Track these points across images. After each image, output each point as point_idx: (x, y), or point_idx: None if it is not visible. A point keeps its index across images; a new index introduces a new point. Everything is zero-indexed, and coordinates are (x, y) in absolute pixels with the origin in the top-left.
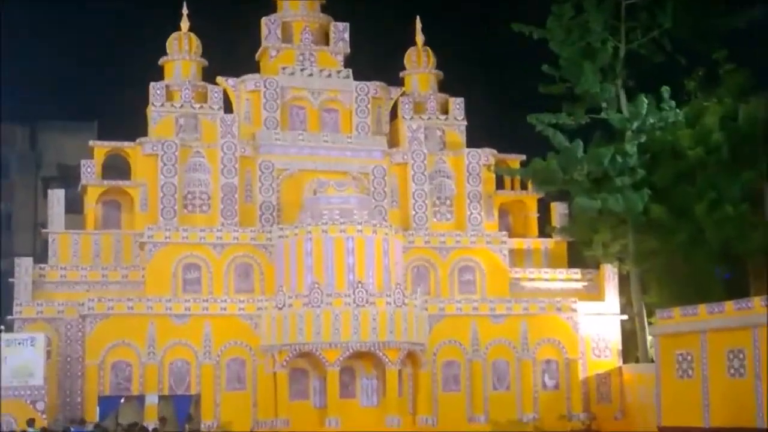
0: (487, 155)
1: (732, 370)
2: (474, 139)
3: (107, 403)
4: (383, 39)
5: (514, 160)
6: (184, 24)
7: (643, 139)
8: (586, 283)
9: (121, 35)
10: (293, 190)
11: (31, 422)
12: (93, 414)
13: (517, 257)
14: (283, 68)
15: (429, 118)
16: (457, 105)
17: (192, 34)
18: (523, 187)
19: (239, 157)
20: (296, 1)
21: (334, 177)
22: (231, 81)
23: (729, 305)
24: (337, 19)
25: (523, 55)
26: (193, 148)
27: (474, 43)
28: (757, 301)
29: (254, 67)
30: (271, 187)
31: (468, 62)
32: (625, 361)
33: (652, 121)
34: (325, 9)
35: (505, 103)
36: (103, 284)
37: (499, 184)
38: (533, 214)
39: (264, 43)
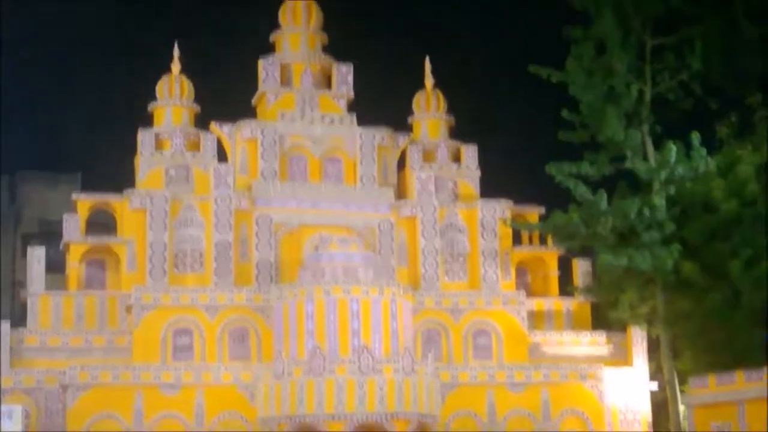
0: (503, 208)
1: None
2: (488, 190)
3: None
4: (390, 81)
5: (533, 213)
6: (175, 67)
7: (672, 190)
8: (611, 348)
9: (108, 79)
10: (293, 247)
11: None
12: None
13: (537, 319)
14: (282, 114)
15: (439, 168)
16: (469, 153)
17: (184, 77)
18: (543, 242)
19: (234, 211)
20: (296, 40)
21: (338, 232)
22: (226, 128)
23: None
24: (339, 60)
25: (540, 100)
26: (184, 202)
27: (488, 86)
28: None
29: (251, 113)
30: (269, 243)
31: (481, 107)
32: None
33: (681, 170)
34: (326, 49)
35: (521, 151)
36: (87, 351)
37: (517, 240)
38: (554, 273)
39: (261, 87)
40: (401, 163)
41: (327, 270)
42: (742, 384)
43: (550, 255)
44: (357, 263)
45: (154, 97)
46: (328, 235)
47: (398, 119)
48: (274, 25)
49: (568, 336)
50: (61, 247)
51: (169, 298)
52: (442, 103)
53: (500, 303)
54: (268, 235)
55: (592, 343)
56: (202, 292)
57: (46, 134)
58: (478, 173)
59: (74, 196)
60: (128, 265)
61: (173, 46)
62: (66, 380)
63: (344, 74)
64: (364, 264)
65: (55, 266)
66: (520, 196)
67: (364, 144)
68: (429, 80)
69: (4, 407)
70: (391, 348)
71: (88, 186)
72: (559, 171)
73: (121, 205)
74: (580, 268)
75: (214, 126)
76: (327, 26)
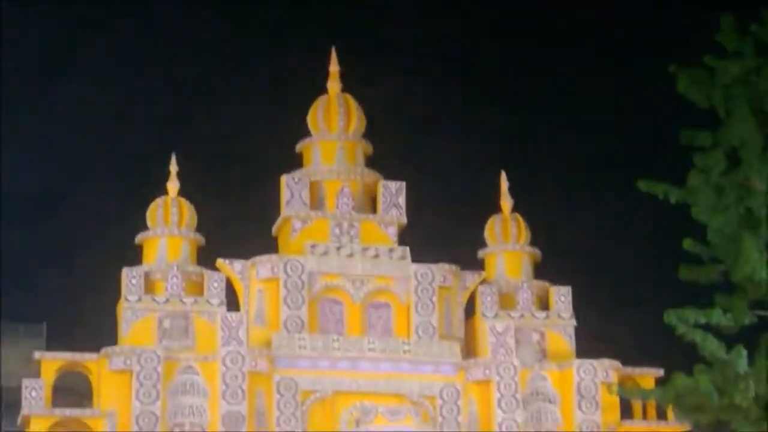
0: (606, 369)
1: None
2: (587, 346)
3: None
4: (453, 202)
5: (647, 376)
6: (172, 185)
7: None
8: None
9: (84, 200)
10: (325, 421)
11: None
12: None
13: None
14: (312, 246)
15: (522, 316)
16: (561, 297)
17: (183, 200)
18: (662, 416)
19: (248, 374)
20: (330, 150)
21: (385, 402)
22: (237, 265)
23: None
24: (387, 176)
25: (652, 225)
26: (182, 362)
27: (582, 208)
28: None
29: (270, 246)
30: (294, 416)
31: (575, 236)
32: None
33: None
34: (371, 162)
35: (630, 294)
36: None
37: (626, 412)
38: None
39: (285, 211)
40: (470, 310)
41: None
42: None
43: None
44: None
45: (143, 225)
46: (372, 405)
47: (465, 252)
48: (302, 130)
49: None
50: (19, 421)
51: None
52: (524, 232)
53: None
54: (293, 405)
55: None
56: None
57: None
58: (573, 323)
59: (37, 354)
60: None
61: (170, 158)
62: None
63: (394, 194)
64: None
65: None
66: (629, 354)
67: (420, 285)
68: (506, 201)
69: None
70: None
71: (55, 341)
72: (682, 320)
73: (99, 366)
74: None
75: (221, 263)
76: (371, 132)
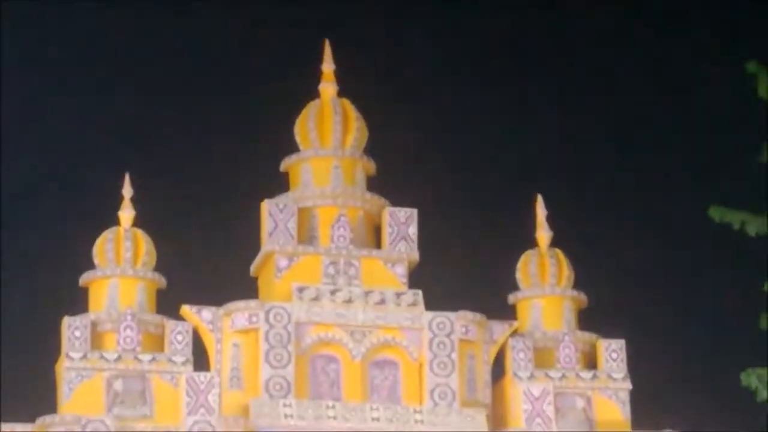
0: None
1: None
2: (645, 416)
3: None
4: (479, 234)
5: None
6: (126, 213)
7: None
8: None
9: (12, 229)
10: None
11: None
12: None
13: None
14: (300, 290)
15: (563, 377)
16: (613, 353)
17: (139, 232)
18: None
19: None
20: (323, 169)
21: None
22: (207, 313)
23: None
24: (394, 202)
25: (727, 263)
26: None
27: (638, 242)
28: None
29: (248, 289)
30: None
31: (629, 277)
32: None
33: None
34: (374, 185)
35: (698, 348)
36: None
37: None
38: None
39: (266, 245)
40: (499, 370)
41: None
42: None
43: None
44: None
45: (89, 263)
46: None
47: (492, 298)
48: (288, 144)
49: None
50: None
51: None
52: (566, 271)
53: None
54: None
55: None
56: None
57: None
58: (627, 386)
59: None
60: None
61: (123, 180)
62: None
63: (403, 223)
64: None
65: None
66: (698, 425)
67: (436, 338)
68: (543, 233)
69: None
70: None
71: None
72: (763, 382)
73: None
74: None
75: (187, 311)
76: (375, 147)
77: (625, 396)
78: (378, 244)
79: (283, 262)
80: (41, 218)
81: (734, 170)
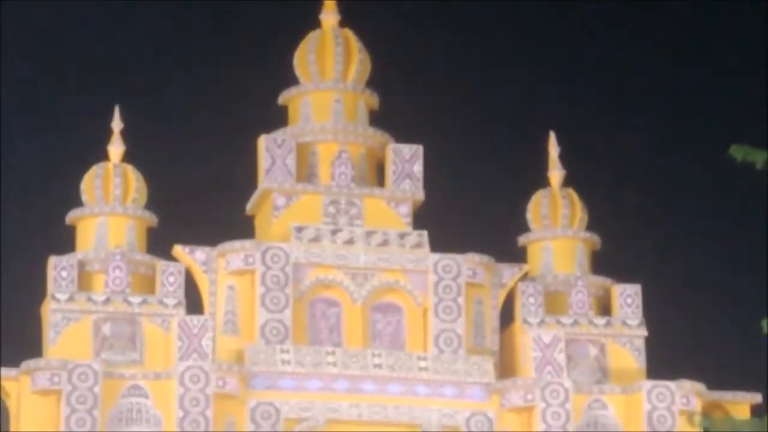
0: (687, 394)
1: None
2: (661, 364)
3: None
4: (487, 172)
5: (740, 402)
6: (116, 148)
7: None
8: None
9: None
10: None
11: None
12: None
13: None
14: (299, 229)
15: (575, 323)
16: (628, 298)
17: (129, 168)
18: None
19: (214, 397)
20: (324, 103)
21: None
22: (200, 253)
23: None
24: (399, 138)
25: (748, 206)
26: (127, 380)
27: (655, 183)
28: None
29: (244, 228)
30: None
31: (645, 218)
32: None
33: None
34: (377, 120)
35: (718, 293)
36: None
37: None
38: None
39: (264, 183)
40: (507, 315)
41: None
42: None
43: None
44: None
45: (77, 200)
46: None
47: (501, 239)
48: (287, 77)
49: None
50: None
51: None
52: (579, 212)
53: None
54: None
55: None
56: None
57: None
58: (642, 333)
59: None
60: None
61: (113, 112)
62: None
63: (407, 161)
64: None
65: None
66: (717, 373)
67: (442, 281)
68: (556, 172)
69: None
70: None
71: None
72: None
73: (18, 386)
74: None
75: (179, 251)
76: (378, 80)
77: (640, 344)
78: (381, 183)
79: (280, 201)
80: (25, 153)
81: (755, 108)
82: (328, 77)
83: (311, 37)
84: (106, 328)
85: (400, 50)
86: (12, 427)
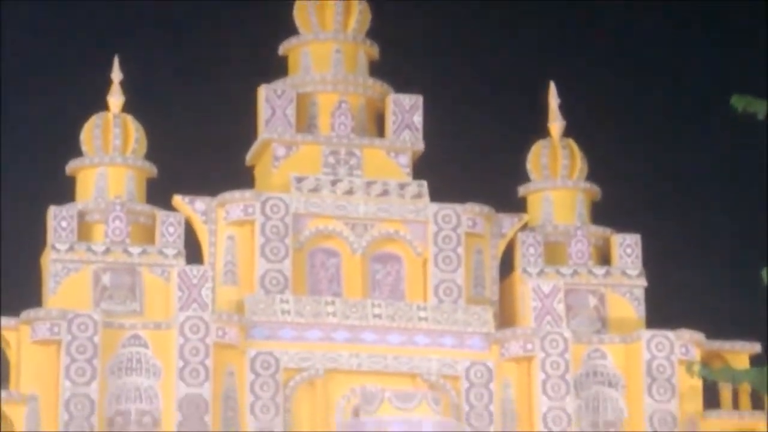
0: (686, 343)
1: None
2: (660, 313)
3: None
4: (487, 123)
5: (739, 352)
6: (115, 98)
7: None
8: None
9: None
10: (315, 409)
11: None
12: None
13: None
14: (299, 180)
15: (575, 273)
16: (627, 248)
17: (129, 118)
18: (758, 404)
19: (214, 347)
20: (324, 53)
21: (393, 383)
22: (200, 203)
23: None
24: (399, 88)
25: (749, 155)
26: (127, 330)
27: (655, 133)
28: None
29: (244, 178)
30: (274, 402)
31: (644, 169)
32: None
33: None
34: (377, 70)
35: (718, 243)
36: None
37: (711, 399)
38: None
39: (263, 133)
40: (507, 265)
41: None
42: None
43: None
44: None
45: (77, 150)
46: (376, 388)
47: (501, 190)
48: (287, 27)
49: None
50: None
51: None
52: (579, 163)
53: None
54: (273, 388)
55: None
56: None
57: None
58: (642, 283)
59: None
60: None
61: (112, 62)
62: None
63: (408, 111)
64: None
65: None
66: (716, 323)
67: (441, 231)
68: (555, 122)
69: None
70: None
71: None
72: None
73: (18, 336)
74: None
75: (179, 201)
76: (378, 31)
77: (639, 293)
78: (381, 133)
79: (280, 151)
80: (25, 103)
81: (755, 57)
82: (329, 27)
83: None
84: (106, 278)
85: (400, 0)
86: (12, 377)
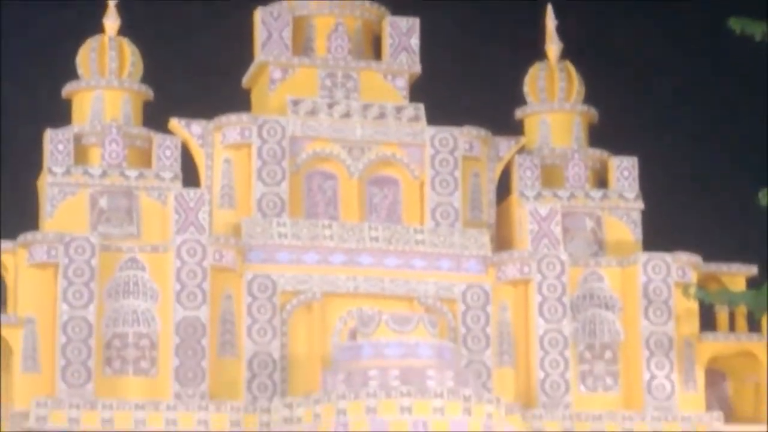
0: (683, 266)
1: None
2: (657, 236)
3: None
4: (484, 44)
5: (736, 275)
6: (111, 21)
7: None
8: None
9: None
10: (312, 332)
11: None
12: None
13: None
14: (296, 103)
15: (572, 196)
16: (625, 171)
17: (125, 41)
18: (754, 326)
19: (211, 270)
20: None
21: (390, 306)
22: (196, 126)
23: None
24: (396, 10)
25: (745, 78)
26: (124, 253)
27: (652, 56)
28: None
29: (241, 101)
30: (271, 325)
31: (642, 91)
32: None
33: None
34: None
35: (714, 168)
36: None
37: (707, 321)
38: None
39: (260, 56)
40: (503, 188)
41: (373, 372)
42: None
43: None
44: (425, 361)
45: (73, 73)
46: (373, 311)
47: (498, 112)
48: None
49: None
50: None
51: (97, 419)
52: (576, 85)
53: None
54: (270, 311)
55: None
56: (154, 411)
57: None
58: (639, 206)
59: None
60: (25, 363)
61: None
62: None
63: (405, 34)
64: (438, 362)
65: None
66: (713, 246)
67: (438, 154)
68: (553, 44)
69: None
70: None
71: None
72: None
73: (15, 259)
74: None
75: (176, 124)
76: None
77: (636, 216)
78: (378, 56)
79: (277, 74)
80: (19, 24)
81: None
82: None
83: None
84: (103, 202)
85: None
86: (10, 300)
